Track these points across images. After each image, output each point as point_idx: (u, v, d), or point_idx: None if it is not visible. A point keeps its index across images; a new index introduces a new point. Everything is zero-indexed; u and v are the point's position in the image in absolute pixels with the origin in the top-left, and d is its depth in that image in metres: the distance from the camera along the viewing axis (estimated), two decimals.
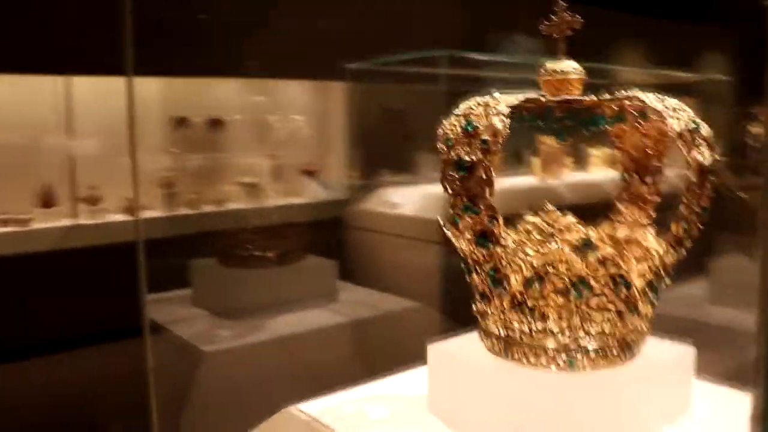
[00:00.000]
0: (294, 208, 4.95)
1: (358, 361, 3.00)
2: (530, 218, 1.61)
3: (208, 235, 3.64)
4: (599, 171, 5.67)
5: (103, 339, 3.69)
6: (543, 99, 1.38)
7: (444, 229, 1.43)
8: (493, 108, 1.27)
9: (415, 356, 1.79)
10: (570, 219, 1.61)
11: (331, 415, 1.55)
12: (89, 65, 4.14)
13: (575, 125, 1.39)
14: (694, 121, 1.30)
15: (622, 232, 1.58)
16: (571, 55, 1.44)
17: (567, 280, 1.29)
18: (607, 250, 1.30)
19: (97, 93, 4.58)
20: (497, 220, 1.32)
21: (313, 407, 1.59)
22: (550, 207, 1.61)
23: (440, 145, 1.34)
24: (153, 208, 4.67)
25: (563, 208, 1.52)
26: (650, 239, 1.51)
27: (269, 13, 4.37)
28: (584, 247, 1.29)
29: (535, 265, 1.30)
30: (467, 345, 1.50)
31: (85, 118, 4.53)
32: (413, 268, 4.06)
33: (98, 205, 4.67)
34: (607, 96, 1.37)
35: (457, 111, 1.34)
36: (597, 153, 5.70)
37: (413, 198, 4.47)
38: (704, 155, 1.27)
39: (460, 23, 5.01)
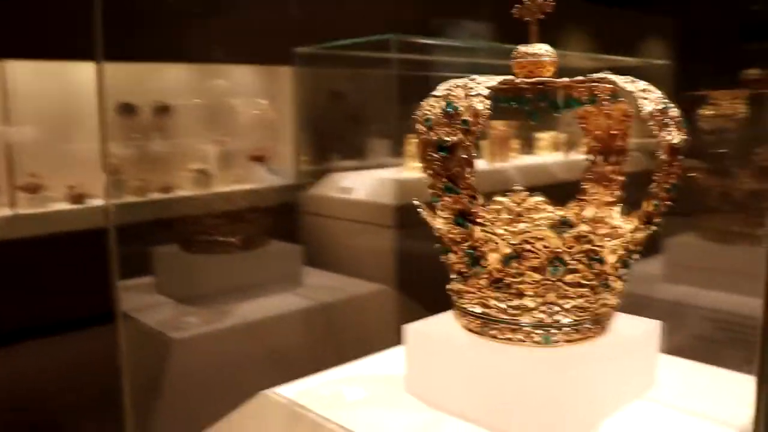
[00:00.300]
0: (242, 194, 4.89)
1: (326, 345, 3.00)
2: (499, 198, 1.65)
3: (164, 222, 3.57)
4: (546, 154, 5.80)
5: (63, 330, 3.60)
6: (518, 81, 1.40)
7: (420, 209, 1.45)
8: (473, 90, 1.29)
9: (381, 337, 1.81)
10: (537, 199, 1.65)
11: (307, 397, 1.56)
12: (32, 50, 4.00)
13: (548, 107, 1.42)
14: (663, 102, 1.34)
15: (588, 212, 1.63)
16: (517, 39, 1.46)
17: (543, 256, 1.32)
18: (583, 227, 1.33)
19: (34, 78, 4.43)
20: (476, 200, 1.34)
21: (290, 390, 1.60)
22: (518, 187, 1.65)
23: (419, 126, 1.35)
24: (99, 196, 4.55)
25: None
26: (616, 218, 1.57)
27: None
28: (562, 225, 1.32)
29: (513, 243, 1.32)
30: (443, 324, 1.52)
31: (22, 103, 4.38)
32: (368, 252, 4.07)
33: (39, 193, 4.53)
34: (579, 78, 1.40)
35: (435, 92, 1.35)
36: (544, 137, 5.82)
37: (365, 182, 4.46)
38: (673, 135, 1.32)
39: (408, 8, 5.02)
